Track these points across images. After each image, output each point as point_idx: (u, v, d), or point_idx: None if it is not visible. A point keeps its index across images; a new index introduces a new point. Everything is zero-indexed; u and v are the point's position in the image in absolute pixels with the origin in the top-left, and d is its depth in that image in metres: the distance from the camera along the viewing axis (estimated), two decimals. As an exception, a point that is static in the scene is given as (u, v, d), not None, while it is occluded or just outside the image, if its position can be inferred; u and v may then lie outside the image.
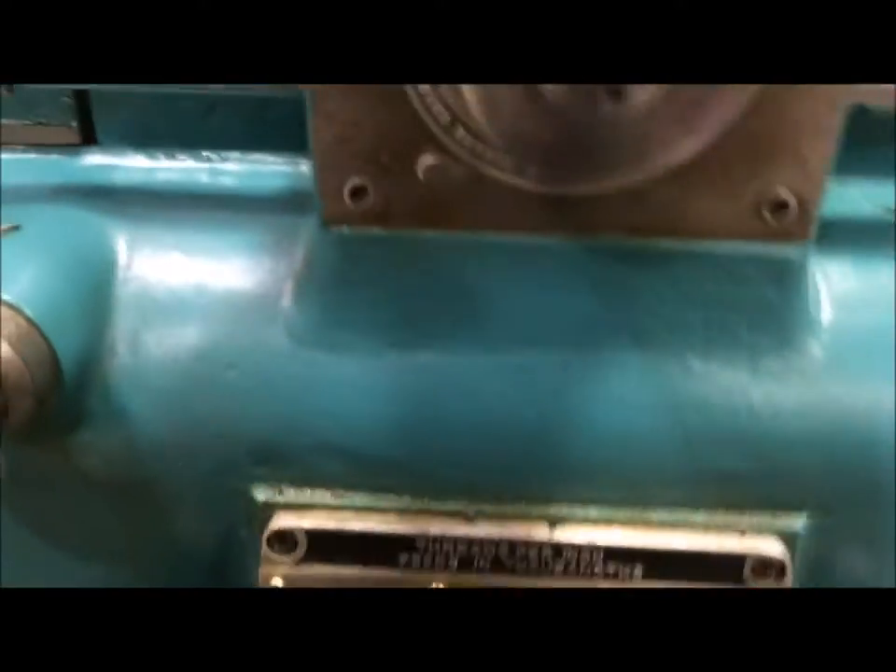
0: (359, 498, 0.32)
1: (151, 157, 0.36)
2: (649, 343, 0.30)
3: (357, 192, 0.29)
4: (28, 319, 0.29)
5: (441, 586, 0.31)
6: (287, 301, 0.32)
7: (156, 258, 0.33)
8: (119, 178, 0.35)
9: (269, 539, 0.31)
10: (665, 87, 0.21)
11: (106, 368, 0.31)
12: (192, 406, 0.31)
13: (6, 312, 0.28)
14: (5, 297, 0.28)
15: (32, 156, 0.36)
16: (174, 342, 0.32)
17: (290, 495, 0.32)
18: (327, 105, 0.28)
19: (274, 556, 0.31)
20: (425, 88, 0.27)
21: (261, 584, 0.31)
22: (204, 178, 0.36)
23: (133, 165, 0.36)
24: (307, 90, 0.28)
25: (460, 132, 0.28)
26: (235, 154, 0.36)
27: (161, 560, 0.33)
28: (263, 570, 0.31)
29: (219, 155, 0.36)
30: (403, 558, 0.31)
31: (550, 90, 0.21)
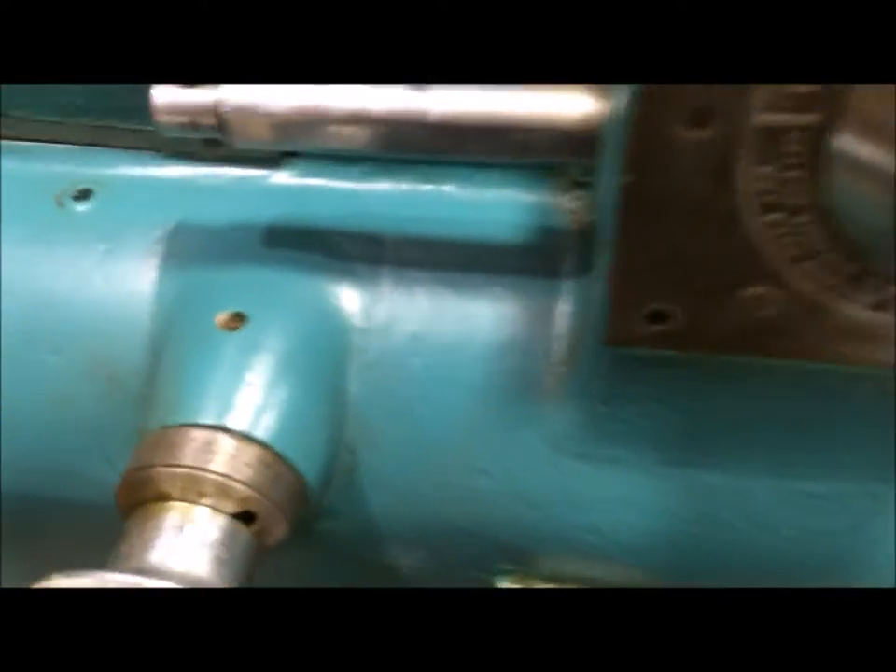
0: (615, 602, 0.30)
1: (359, 175, 0.30)
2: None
3: (657, 316, 0.24)
4: (276, 454, 0.25)
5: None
6: (545, 403, 0.27)
7: (392, 338, 0.28)
8: (329, 212, 0.30)
9: (519, 642, 0.30)
10: None
11: (345, 465, 0.28)
12: (438, 508, 0.29)
13: (253, 451, 0.25)
14: (253, 433, 0.25)
15: (221, 171, 0.31)
16: (417, 441, 0.28)
17: (539, 592, 0.30)
18: (640, 227, 0.22)
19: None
20: (776, 220, 0.21)
21: None
22: (426, 211, 0.30)
23: (339, 187, 0.30)
24: (618, 210, 0.22)
25: (808, 265, 0.22)
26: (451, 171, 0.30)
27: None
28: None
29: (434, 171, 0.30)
30: None
31: None
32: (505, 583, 0.30)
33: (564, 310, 0.28)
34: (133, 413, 0.29)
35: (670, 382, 0.26)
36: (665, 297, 0.24)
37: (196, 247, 0.29)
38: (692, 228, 0.22)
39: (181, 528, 0.23)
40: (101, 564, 0.24)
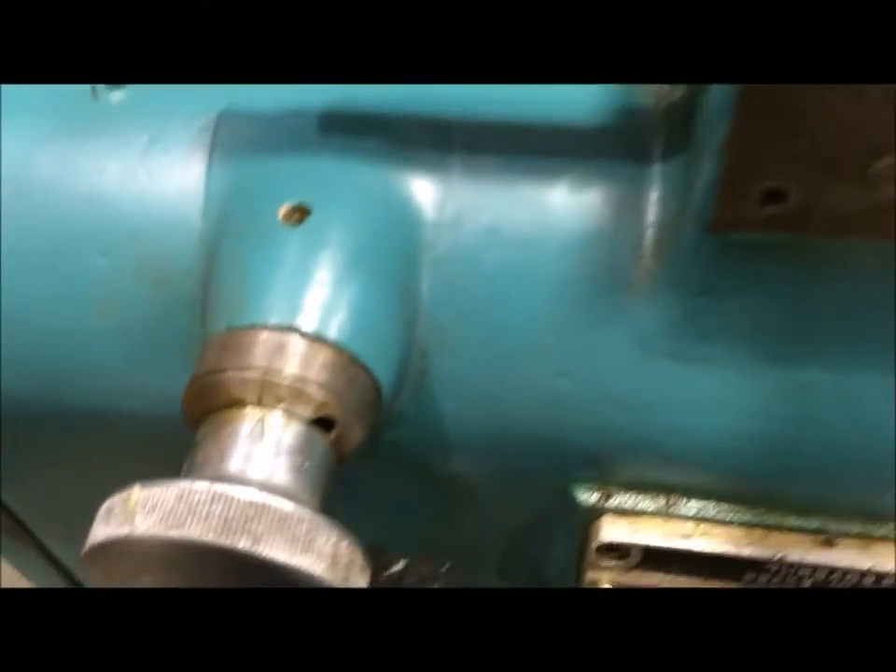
0: (699, 508, 0.28)
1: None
2: None
3: (772, 195, 0.22)
4: (350, 356, 0.23)
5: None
6: (633, 298, 0.25)
7: (465, 232, 0.26)
8: (386, 96, 0.27)
9: (598, 548, 0.28)
10: None
11: (416, 370, 0.27)
12: (516, 413, 0.27)
13: (329, 355, 0.23)
14: (325, 334, 0.23)
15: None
16: (491, 343, 0.26)
17: (618, 499, 0.28)
18: (763, 93, 0.20)
19: (604, 563, 0.29)
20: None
21: (587, 587, 0.29)
22: (494, 92, 0.27)
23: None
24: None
25: (951, 132, 0.20)
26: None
27: (468, 550, 0.31)
28: (590, 575, 0.29)
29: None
30: (749, 576, 0.28)
31: None
32: (582, 492, 0.29)
33: (653, 196, 0.25)
34: (184, 317, 0.27)
35: (776, 270, 0.24)
36: (782, 172, 0.21)
37: (244, 136, 0.27)
38: (821, 91, 0.20)
39: (259, 436, 0.22)
40: (153, 476, 0.22)
